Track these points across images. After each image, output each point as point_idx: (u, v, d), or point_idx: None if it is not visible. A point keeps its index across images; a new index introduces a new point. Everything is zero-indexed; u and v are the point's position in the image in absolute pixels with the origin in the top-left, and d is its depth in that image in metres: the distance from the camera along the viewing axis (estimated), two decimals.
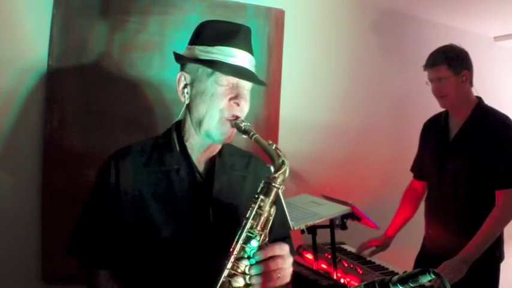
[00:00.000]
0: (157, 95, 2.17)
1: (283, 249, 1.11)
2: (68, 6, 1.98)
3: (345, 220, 2.04)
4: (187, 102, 1.27)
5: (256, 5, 2.40)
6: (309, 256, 2.21)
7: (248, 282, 1.08)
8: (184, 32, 2.17)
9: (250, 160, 1.40)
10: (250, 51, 1.27)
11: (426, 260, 2.28)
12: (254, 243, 1.10)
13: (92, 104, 2.05)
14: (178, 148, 1.29)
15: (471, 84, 2.20)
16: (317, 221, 1.96)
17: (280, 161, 1.14)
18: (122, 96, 2.11)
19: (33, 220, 1.97)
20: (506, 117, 2.16)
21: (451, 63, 2.15)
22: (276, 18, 2.45)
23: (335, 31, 2.73)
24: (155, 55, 2.16)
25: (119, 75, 2.09)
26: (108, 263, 1.25)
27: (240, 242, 1.10)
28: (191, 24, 2.17)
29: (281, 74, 2.49)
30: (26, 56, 1.95)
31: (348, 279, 1.94)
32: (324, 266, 2.10)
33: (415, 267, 2.31)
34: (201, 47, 1.24)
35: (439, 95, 2.21)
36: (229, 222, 1.21)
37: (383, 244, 2.38)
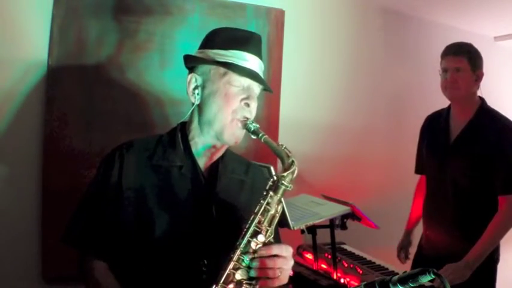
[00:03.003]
0: (157, 95, 2.16)
1: (288, 250, 1.15)
2: (68, 6, 1.98)
3: (345, 220, 2.04)
4: (197, 103, 1.29)
5: (256, 5, 2.40)
6: (309, 256, 2.21)
7: (250, 275, 1.11)
8: (185, 32, 2.20)
9: (249, 167, 1.43)
10: (261, 57, 1.31)
11: (423, 261, 2.28)
12: (261, 238, 1.12)
13: (91, 104, 2.05)
14: (182, 147, 1.31)
15: (478, 86, 2.18)
16: (317, 221, 1.96)
17: (290, 161, 1.17)
18: (122, 96, 2.10)
19: (33, 220, 1.97)
20: (508, 121, 2.14)
21: (472, 57, 2.14)
22: (276, 18, 2.45)
23: (335, 31, 2.73)
24: (155, 55, 2.16)
25: (119, 75, 2.09)
26: (105, 254, 1.25)
27: (248, 236, 1.12)
28: (191, 24, 2.20)
29: (281, 74, 2.49)
30: (26, 56, 1.95)
31: (348, 279, 1.94)
32: (324, 266, 2.10)
33: (413, 268, 2.31)
34: (214, 51, 1.27)
35: (452, 86, 2.15)
36: (230, 220, 1.24)
37: (406, 242, 2.45)
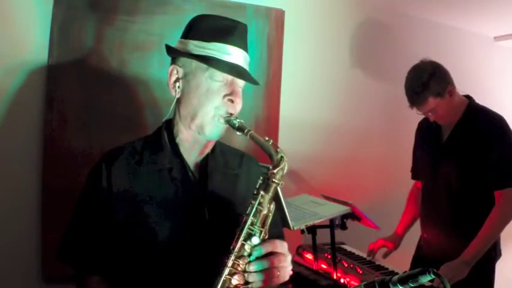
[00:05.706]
0: (157, 94, 2.16)
1: (283, 246, 1.10)
2: (68, 6, 1.98)
3: (344, 220, 2.05)
4: (178, 96, 1.25)
5: (256, 5, 2.40)
6: (309, 256, 2.21)
7: (248, 280, 1.07)
8: None
9: (242, 159, 1.38)
10: (246, 48, 1.25)
11: (422, 262, 2.27)
12: (255, 240, 1.08)
13: (92, 104, 2.05)
14: (169, 146, 1.26)
15: (456, 90, 2.16)
16: (317, 221, 1.96)
17: (279, 156, 1.12)
18: (122, 96, 2.11)
19: (33, 220, 1.97)
20: (498, 116, 2.13)
21: (434, 91, 2.09)
22: (276, 18, 2.45)
23: (335, 31, 2.73)
24: (155, 55, 2.15)
25: (119, 75, 2.09)
26: (100, 269, 1.22)
27: (241, 239, 1.08)
28: None
29: (281, 74, 2.48)
30: (26, 55, 1.95)
31: (348, 279, 1.94)
32: (323, 266, 2.10)
33: (411, 269, 2.30)
34: (195, 42, 1.21)
35: (436, 119, 2.19)
36: (224, 221, 1.19)
37: (394, 244, 2.39)
